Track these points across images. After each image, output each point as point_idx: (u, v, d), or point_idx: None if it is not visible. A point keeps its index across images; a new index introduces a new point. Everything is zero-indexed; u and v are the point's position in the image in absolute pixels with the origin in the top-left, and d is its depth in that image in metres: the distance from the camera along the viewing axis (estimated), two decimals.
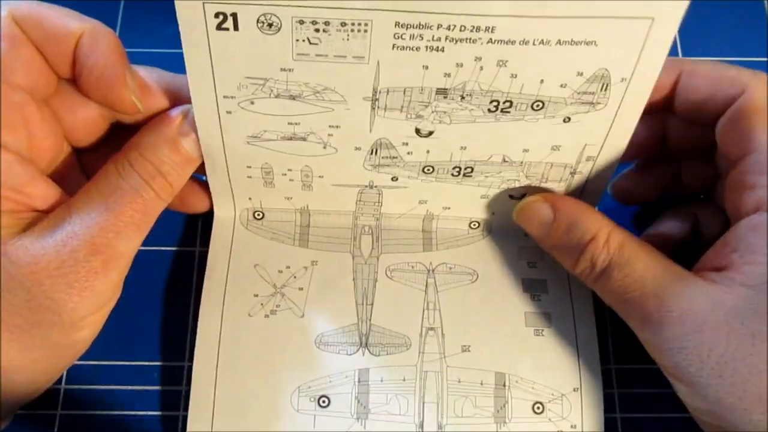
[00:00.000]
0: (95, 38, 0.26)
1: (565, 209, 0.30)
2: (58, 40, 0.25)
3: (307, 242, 0.33)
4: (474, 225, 0.34)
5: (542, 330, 0.32)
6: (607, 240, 0.28)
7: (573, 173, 0.31)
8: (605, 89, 0.27)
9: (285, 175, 0.31)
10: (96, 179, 0.27)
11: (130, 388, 0.32)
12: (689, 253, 0.29)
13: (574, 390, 0.31)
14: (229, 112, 0.27)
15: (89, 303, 0.25)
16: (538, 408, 0.31)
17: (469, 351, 0.32)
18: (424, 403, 0.31)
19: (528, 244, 0.34)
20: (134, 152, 0.27)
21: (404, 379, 0.31)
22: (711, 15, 0.40)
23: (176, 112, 0.28)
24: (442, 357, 0.31)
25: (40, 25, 0.25)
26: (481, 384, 0.31)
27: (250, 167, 0.31)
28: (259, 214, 0.34)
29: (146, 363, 0.32)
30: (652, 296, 0.26)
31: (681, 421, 0.28)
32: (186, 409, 0.30)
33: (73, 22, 0.25)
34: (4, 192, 0.25)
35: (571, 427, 0.30)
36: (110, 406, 0.31)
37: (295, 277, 0.32)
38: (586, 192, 0.32)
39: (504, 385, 0.31)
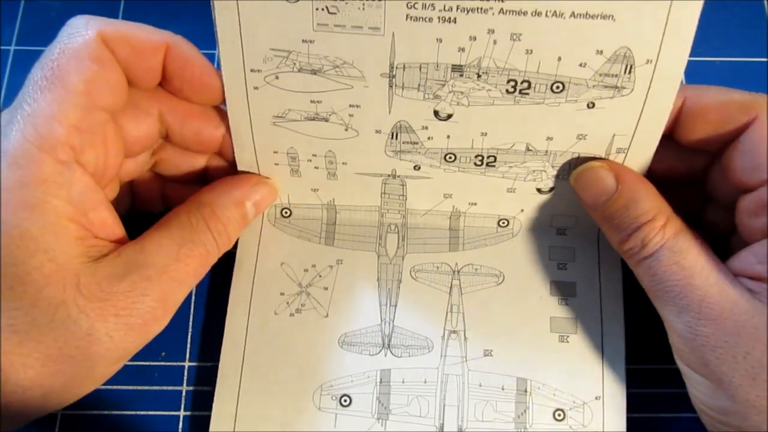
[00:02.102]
0: (182, 46, 0.27)
1: (629, 182, 0.29)
2: (149, 54, 0.27)
3: (333, 240, 0.34)
4: (503, 223, 0.34)
5: (567, 336, 0.32)
6: (665, 224, 0.28)
7: None
8: (629, 71, 0.26)
9: (310, 161, 0.31)
10: (168, 226, 0.28)
11: (130, 388, 0.32)
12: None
13: (597, 398, 0.31)
14: (256, 88, 0.28)
15: (139, 343, 0.27)
16: (559, 415, 0.31)
17: (491, 355, 0.31)
18: (444, 406, 0.31)
19: (559, 243, 0.33)
20: (208, 208, 0.29)
21: (425, 382, 0.31)
22: (711, 15, 0.39)
23: (247, 176, 0.31)
24: (464, 360, 0.31)
25: (128, 43, 0.26)
26: (503, 389, 0.31)
27: (276, 153, 0.31)
28: (286, 212, 0.34)
29: (146, 363, 0.33)
30: (696, 289, 0.26)
31: (680, 421, 0.28)
32: (186, 409, 0.31)
33: (157, 37, 0.27)
34: (76, 217, 0.25)
35: None
36: (110, 406, 0.32)
37: (320, 276, 0.33)
38: None
39: (525, 391, 0.31)
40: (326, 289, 0.33)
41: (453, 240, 0.34)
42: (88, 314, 0.24)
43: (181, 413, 0.32)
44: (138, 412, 0.32)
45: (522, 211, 0.33)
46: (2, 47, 0.39)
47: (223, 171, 0.32)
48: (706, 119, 0.28)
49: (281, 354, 0.32)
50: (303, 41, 0.27)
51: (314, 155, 0.31)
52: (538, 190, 0.32)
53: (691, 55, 0.37)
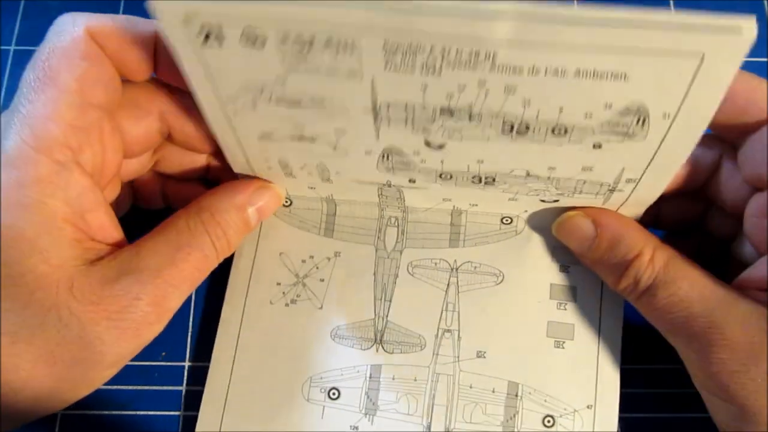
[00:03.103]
0: None
1: (608, 225, 0.29)
2: (139, 47, 0.26)
3: (333, 232, 0.33)
4: (506, 221, 0.33)
5: (563, 342, 0.31)
6: (652, 257, 0.27)
7: (612, 190, 0.28)
8: (642, 123, 0.24)
9: (303, 168, 0.30)
10: (165, 230, 0.27)
11: (130, 388, 0.32)
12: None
13: (588, 407, 0.30)
14: (236, 114, 0.27)
15: (133, 348, 0.26)
16: (549, 422, 0.30)
17: (484, 357, 0.31)
18: (433, 405, 0.31)
19: (563, 244, 0.32)
20: (207, 213, 0.28)
21: (416, 379, 0.31)
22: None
23: (249, 181, 0.30)
24: (456, 360, 0.31)
25: (117, 37, 0.25)
26: (493, 392, 0.31)
27: (267, 162, 0.30)
28: (287, 201, 0.34)
29: (146, 363, 0.33)
30: (699, 317, 0.26)
31: (681, 421, 0.28)
32: (186, 409, 0.31)
33: (145, 28, 0.26)
34: (72, 219, 0.25)
35: None
36: (110, 406, 0.32)
37: (317, 268, 0.33)
38: (626, 205, 0.29)
39: (516, 395, 0.31)
40: (322, 281, 0.33)
41: (453, 235, 0.33)
42: (80, 317, 0.24)
43: (182, 413, 0.32)
44: (138, 412, 0.32)
45: (525, 211, 0.32)
46: (2, 47, 0.39)
47: (224, 168, 0.31)
48: (732, 99, 0.25)
49: (274, 343, 0.32)
50: (276, 79, 0.24)
51: (306, 164, 0.30)
52: (542, 201, 0.31)
53: None
